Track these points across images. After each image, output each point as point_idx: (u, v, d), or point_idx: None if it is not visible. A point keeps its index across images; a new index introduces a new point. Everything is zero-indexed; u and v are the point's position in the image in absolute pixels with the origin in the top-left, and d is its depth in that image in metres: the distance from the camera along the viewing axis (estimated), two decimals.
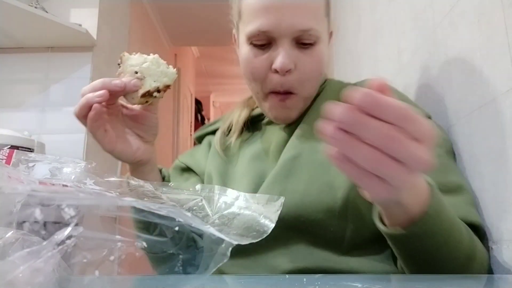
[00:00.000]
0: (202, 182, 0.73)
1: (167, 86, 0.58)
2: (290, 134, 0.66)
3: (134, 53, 0.58)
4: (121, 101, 0.59)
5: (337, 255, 0.55)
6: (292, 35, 0.60)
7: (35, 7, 1.41)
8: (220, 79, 4.89)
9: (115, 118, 0.59)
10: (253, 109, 0.75)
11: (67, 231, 0.27)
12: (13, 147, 1.25)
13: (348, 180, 0.55)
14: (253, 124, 0.74)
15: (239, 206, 0.44)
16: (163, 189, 0.45)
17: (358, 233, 0.55)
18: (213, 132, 0.79)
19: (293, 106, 0.65)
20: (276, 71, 0.61)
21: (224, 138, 0.74)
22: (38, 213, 0.29)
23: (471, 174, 0.60)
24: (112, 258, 0.30)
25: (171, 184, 0.54)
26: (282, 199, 0.47)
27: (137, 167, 0.63)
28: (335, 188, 0.56)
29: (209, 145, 0.77)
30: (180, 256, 0.44)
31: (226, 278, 0.46)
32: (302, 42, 0.60)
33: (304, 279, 0.38)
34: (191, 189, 0.47)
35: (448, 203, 0.48)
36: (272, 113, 0.66)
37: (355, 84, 0.70)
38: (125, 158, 0.60)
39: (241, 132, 0.73)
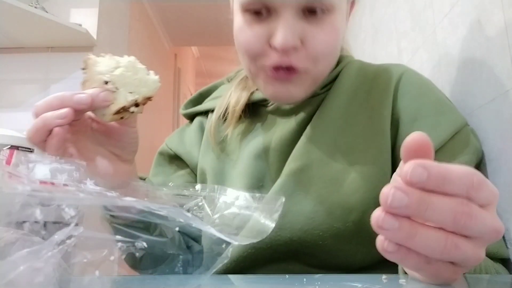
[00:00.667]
0: (194, 175, 0.64)
1: (148, 98, 0.45)
2: (298, 130, 0.56)
3: (102, 54, 0.45)
4: (90, 113, 0.47)
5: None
6: (297, 1, 0.47)
7: (35, 7, 1.41)
8: (220, 79, 4.89)
9: (82, 136, 0.46)
10: (252, 93, 0.62)
11: (67, 231, 0.27)
12: (13, 147, 1.25)
13: (363, 200, 0.48)
14: (254, 110, 0.62)
15: (239, 206, 0.44)
16: (164, 189, 0.45)
17: (369, 255, 0.50)
18: (203, 113, 0.68)
19: (298, 83, 0.52)
20: (275, 48, 0.49)
21: (219, 127, 0.62)
22: (38, 213, 0.29)
23: None
24: (112, 258, 0.30)
25: (171, 184, 0.52)
26: (282, 199, 0.45)
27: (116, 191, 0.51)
28: (347, 209, 0.48)
29: (201, 129, 0.67)
30: (180, 257, 0.44)
31: (226, 278, 0.46)
32: (311, 11, 0.48)
33: (304, 279, 0.38)
34: (191, 189, 0.47)
35: None
36: (268, 91, 0.53)
37: (378, 68, 0.60)
38: (101, 186, 0.47)
39: (239, 119, 0.61)
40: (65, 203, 0.29)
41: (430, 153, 0.27)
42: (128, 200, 0.32)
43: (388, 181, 0.47)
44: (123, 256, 0.31)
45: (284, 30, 0.47)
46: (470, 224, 0.26)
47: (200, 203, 0.43)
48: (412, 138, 0.27)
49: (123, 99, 0.43)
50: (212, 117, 0.63)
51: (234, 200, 0.45)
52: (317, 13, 0.48)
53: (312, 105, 0.57)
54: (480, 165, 0.54)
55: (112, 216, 0.48)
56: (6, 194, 0.29)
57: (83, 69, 0.44)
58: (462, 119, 0.52)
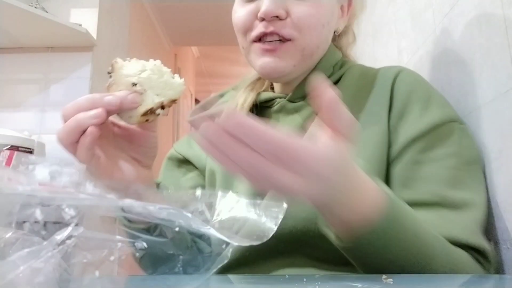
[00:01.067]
0: (203, 177, 0.66)
1: (173, 101, 0.46)
2: (304, 126, 0.59)
3: (128, 58, 0.45)
4: (112, 117, 0.47)
5: (346, 271, 0.51)
6: None
7: (35, 7, 1.41)
8: (220, 79, 4.88)
9: (105, 140, 0.46)
10: (259, 94, 0.65)
11: (68, 231, 0.27)
12: (13, 147, 1.25)
13: None
14: (261, 112, 0.65)
15: (240, 211, 0.44)
16: (164, 193, 0.44)
17: None
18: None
19: (286, 55, 0.56)
20: (262, 20, 0.54)
21: None
22: (38, 213, 0.29)
23: None
24: (112, 258, 0.30)
25: (170, 191, 0.52)
26: (285, 206, 0.45)
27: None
28: None
29: None
30: (180, 257, 0.44)
31: (226, 278, 0.46)
32: None
33: (304, 279, 0.38)
34: (191, 195, 0.46)
35: (449, 220, 0.46)
36: (257, 64, 0.57)
37: (378, 70, 0.63)
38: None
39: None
40: (65, 203, 0.29)
41: (335, 108, 0.34)
42: (128, 201, 0.32)
43: (384, 171, 0.52)
44: (123, 257, 0.31)
45: (268, 0, 0.53)
46: (260, 176, 0.33)
47: (200, 209, 0.43)
48: (321, 92, 0.33)
49: (151, 101, 0.44)
50: None
51: (234, 204, 0.44)
52: None
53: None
54: (470, 164, 0.53)
55: (128, 221, 0.49)
56: (6, 195, 0.29)
57: (110, 72, 0.45)
58: (450, 115, 0.54)
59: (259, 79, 0.67)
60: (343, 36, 0.68)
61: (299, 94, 0.61)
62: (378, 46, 1.13)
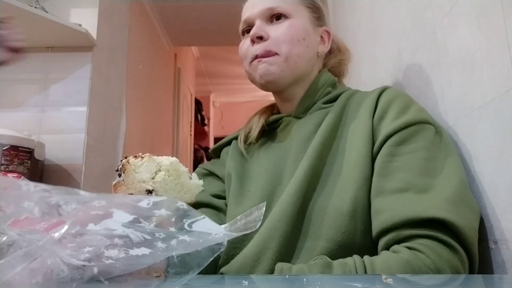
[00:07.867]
0: (223, 184, 0.78)
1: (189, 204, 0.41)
2: (310, 137, 0.69)
3: (140, 154, 0.41)
4: None
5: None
6: (263, 14, 0.74)
7: (35, 7, 1.41)
8: (220, 79, 4.88)
9: None
10: (269, 116, 0.80)
11: (65, 228, 0.27)
12: (13, 147, 1.25)
13: (356, 180, 0.60)
14: (270, 131, 0.79)
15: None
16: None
17: (367, 236, 0.57)
18: (228, 143, 0.85)
19: (274, 63, 0.72)
20: (252, 42, 0.73)
21: (246, 138, 0.80)
22: (36, 211, 0.28)
23: (471, 174, 0.60)
24: (112, 257, 0.30)
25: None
26: (263, 206, 0.44)
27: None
28: (344, 190, 0.60)
29: (227, 154, 0.83)
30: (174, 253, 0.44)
31: (224, 278, 0.46)
32: (272, 18, 0.74)
33: (304, 279, 0.38)
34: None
35: (415, 201, 0.52)
36: (258, 75, 0.73)
37: (370, 91, 0.72)
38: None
39: (260, 134, 0.78)
40: (62, 200, 0.29)
41: None
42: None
43: (370, 165, 0.61)
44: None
45: (254, 27, 0.74)
46: None
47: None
48: None
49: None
50: (241, 132, 0.81)
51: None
52: (279, 19, 0.74)
53: (319, 116, 0.72)
54: (445, 156, 0.58)
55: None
56: None
57: (118, 171, 0.41)
58: (424, 118, 0.61)
59: (268, 107, 0.84)
60: (338, 69, 0.83)
61: (301, 110, 0.75)
62: (378, 46, 1.13)
